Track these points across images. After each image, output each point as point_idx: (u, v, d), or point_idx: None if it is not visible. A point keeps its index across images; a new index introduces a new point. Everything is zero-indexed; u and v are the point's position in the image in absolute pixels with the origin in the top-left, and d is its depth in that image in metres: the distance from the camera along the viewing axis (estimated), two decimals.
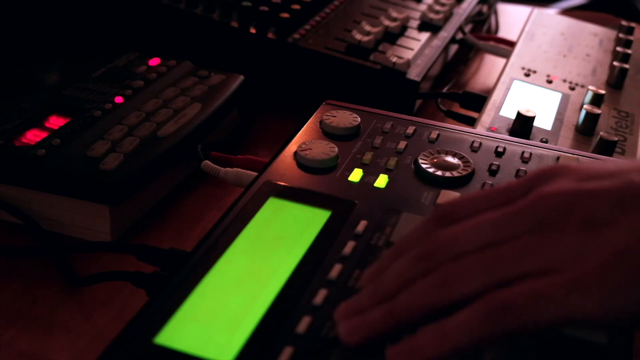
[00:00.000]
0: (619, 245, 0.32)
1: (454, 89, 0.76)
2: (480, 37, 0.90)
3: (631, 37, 0.86)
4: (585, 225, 0.33)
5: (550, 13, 1.01)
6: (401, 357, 0.33)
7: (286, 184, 0.48)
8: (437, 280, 0.34)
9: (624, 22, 0.90)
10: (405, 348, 0.33)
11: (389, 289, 0.35)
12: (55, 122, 0.57)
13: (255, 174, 0.51)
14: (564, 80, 0.75)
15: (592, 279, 0.32)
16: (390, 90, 0.70)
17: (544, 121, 0.65)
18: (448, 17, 0.83)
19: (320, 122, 0.55)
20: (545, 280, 0.32)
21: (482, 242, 0.34)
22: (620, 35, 0.87)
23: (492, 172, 0.50)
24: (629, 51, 0.81)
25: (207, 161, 0.57)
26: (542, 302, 0.32)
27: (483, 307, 0.32)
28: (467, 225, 0.35)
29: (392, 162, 0.51)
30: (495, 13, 1.04)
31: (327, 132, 0.54)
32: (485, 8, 1.00)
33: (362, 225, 0.43)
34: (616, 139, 0.61)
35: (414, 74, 0.70)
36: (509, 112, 0.66)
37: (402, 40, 0.76)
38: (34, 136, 0.55)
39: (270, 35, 0.71)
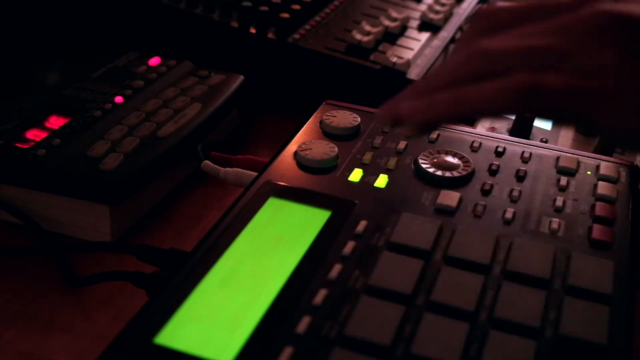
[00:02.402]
0: None
1: None
2: None
3: None
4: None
5: None
6: (412, 111, 0.34)
7: (286, 184, 0.48)
8: (481, 49, 0.34)
9: None
10: (421, 103, 0.34)
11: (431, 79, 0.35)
12: (55, 122, 0.57)
13: (255, 174, 0.51)
14: None
15: (632, 97, 0.31)
16: (390, 90, 0.69)
17: (544, 121, 0.65)
18: (448, 17, 0.83)
19: (320, 122, 0.55)
20: (584, 81, 0.32)
21: (531, 51, 0.34)
22: None
23: (492, 172, 0.50)
24: None
25: (207, 161, 0.57)
26: (575, 96, 0.31)
27: (515, 81, 0.32)
28: (516, 34, 0.35)
29: (392, 162, 0.51)
30: None
31: (327, 132, 0.54)
32: None
33: (362, 225, 0.43)
34: None
35: (414, 74, 0.70)
36: None
37: (402, 40, 0.76)
38: (34, 136, 0.55)
39: (270, 35, 0.71)
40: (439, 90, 0.35)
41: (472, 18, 0.37)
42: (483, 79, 0.34)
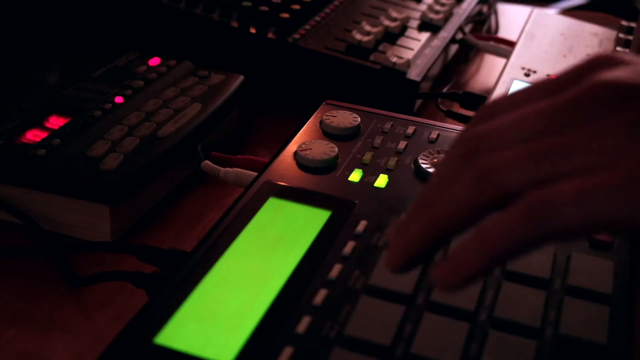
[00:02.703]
0: None
1: (454, 89, 0.76)
2: (480, 37, 0.90)
3: (631, 37, 0.86)
4: None
5: (550, 13, 1.01)
6: (444, 282, 0.30)
7: (286, 184, 0.48)
8: (476, 172, 0.30)
9: (624, 22, 0.90)
10: (445, 269, 0.30)
11: (429, 198, 0.32)
12: (55, 122, 0.57)
13: (255, 174, 0.51)
14: None
15: None
16: (390, 90, 0.70)
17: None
18: (448, 17, 0.83)
19: (320, 122, 0.55)
20: (595, 180, 0.29)
21: (528, 134, 0.31)
22: (620, 35, 0.87)
23: None
24: (629, 51, 0.81)
25: (207, 161, 0.57)
26: (591, 202, 0.28)
27: (525, 205, 0.29)
28: (511, 117, 0.32)
29: (392, 162, 0.51)
30: (495, 13, 1.04)
31: (327, 132, 0.54)
32: (485, 8, 1.00)
33: (362, 225, 0.43)
34: None
35: (414, 74, 0.70)
36: None
37: (402, 40, 0.76)
38: (34, 136, 0.55)
39: (270, 35, 0.71)
40: (446, 236, 0.31)
41: (476, 114, 0.34)
42: (497, 208, 0.30)
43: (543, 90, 0.33)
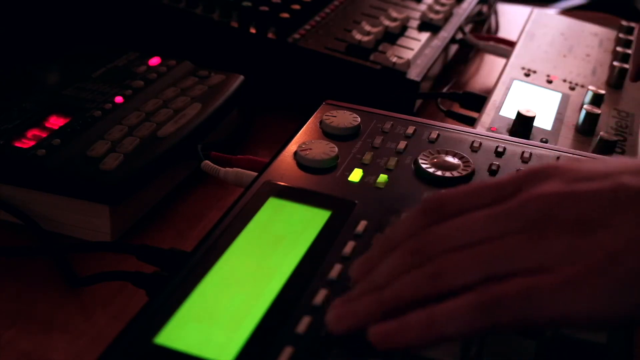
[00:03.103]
0: (610, 248, 0.32)
1: (454, 89, 0.76)
2: (480, 37, 0.90)
3: (631, 37, 0.86)
4: (577, 227, 0.33)
5: (550, 13, 1.01)
6: (384, 338, 0.33)
7: (286, 184, 0.48)
8: (430, 271, 0.34)
9: (624, 22, 0.90)
10: (389, 328, 0.33)
11: (380, 281, 0.35)
12: (55, 122, 0.57)
13: (255, 174, 0.51)
14: (564, 81, 0.75)
15: (583, 280, 0.32)
16: (390, 90, 0.70)
17: (544, 121, 0.65)
18: (448, 17, 0.83)
19: (320, 122, 0.55)
20: (538, 278, 0.32)
21: (475, 239, 0.34)
22: (620, 35, 0.87)
23: (492, 172, 0.50)
24: (629, 51, 0.81)
25: (207, 161, 0.57)
26: (533, 299, 0.32)
27: (474, 299, 0.32)
28: (459, 223, 0.35)
29: (392, 162, 0.51)
30: (495, 13, 1.04)
31: (327, 132, 0.54)
32: (485, 8, 1.00)
33: (362, 225, 0.43)
34: (616, 139, 0.61)
35: (414, 74, 0.70)
36: (509, 112, 0.66)
37: (402, 40, 0.76)
38: (34, 136, 0.55)
39: (270, 35, 0.71)
40: (405, 309, 0.34)
41: (422, 207, 0.37)
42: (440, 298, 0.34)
43: (485, 196, 0.36)
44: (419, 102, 0.73)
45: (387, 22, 0.77)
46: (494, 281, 0.33)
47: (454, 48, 0.87)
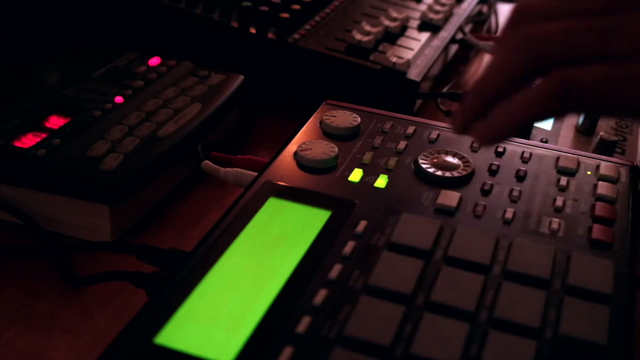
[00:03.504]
0: None
1: (454, 89, 0.76)
2: (480, 37, 0.90)
3: None
4: None
5: None
6: (482, 132, 0.36)
7: (286, 184, 0.48)
8: (518, 40, 0.34)
9: None
10: (484, 124, 0.36)
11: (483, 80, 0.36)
12: (55, 122, 0.57)
13: (255, 174, 0.51)
14: None
15: None
16: (390, 90, 0.70)
17: (543, 121, 0.65)
18: (448, 17, 0.83)
19: (320, 122, 0.55)
20: (627, 66, 0.31)
21: (570, 10, 0.33)
22: None
23: (492, 172, 0.50)
24: None
25: (207, 161, 0.57)
26: (617, 87, 0.31)
27: (555, 81, 0.32)
28: None
29: (392, 162, 0.51)
30: (495, 13, 1.04)
31: (327, 132, 0.54)
32: (485, 8, 1.00)
33: (362, 225, 0.43)
34: (616, 139, 0.61)
35: (414, 74, 0.70)
36: None
37: (402, 40, 0.76)
38: (34, 136, 0.55)
39: (270, 35, 0.71)
40: (493, 99, 0.36)
41: (512, 12, 0.37)
42: (530, 79, 0.34)
43: None
44: (419, 102, 0.73)
45: (387, 22, 0.77)
46: (581, 63, 0.32)
47: (454, 48, 0.87)
